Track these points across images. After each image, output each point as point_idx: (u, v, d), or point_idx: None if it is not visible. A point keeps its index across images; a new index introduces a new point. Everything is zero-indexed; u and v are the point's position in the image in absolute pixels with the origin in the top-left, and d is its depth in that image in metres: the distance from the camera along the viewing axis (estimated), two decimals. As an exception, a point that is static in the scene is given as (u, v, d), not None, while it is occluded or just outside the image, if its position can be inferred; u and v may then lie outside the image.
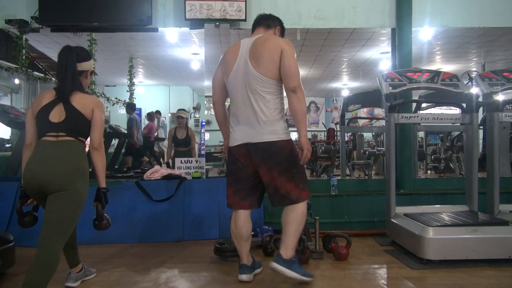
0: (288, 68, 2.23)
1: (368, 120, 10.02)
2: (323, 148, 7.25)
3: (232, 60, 2.39)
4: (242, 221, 2.43)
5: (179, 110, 6.05)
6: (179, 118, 5.78)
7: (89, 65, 2.27)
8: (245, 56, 2.34)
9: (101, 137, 2.15)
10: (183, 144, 5.73)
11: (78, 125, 2.11)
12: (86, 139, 2.17)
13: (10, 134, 6.58)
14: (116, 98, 10.97)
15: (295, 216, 2.31)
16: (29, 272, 1.89)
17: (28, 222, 2.21)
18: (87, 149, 2.21)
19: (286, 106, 2.36)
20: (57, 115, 2.08)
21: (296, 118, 2.25)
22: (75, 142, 2.09)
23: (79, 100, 2.12)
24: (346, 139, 6.46)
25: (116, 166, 6.33)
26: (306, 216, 2.41)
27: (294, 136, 4.20)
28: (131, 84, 9.99)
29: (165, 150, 9.40)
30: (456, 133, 6.78)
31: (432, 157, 7.09)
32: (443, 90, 3.29)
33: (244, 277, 2.44)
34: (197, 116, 12.81)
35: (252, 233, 3.35)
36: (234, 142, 2.39)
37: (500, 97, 3.65)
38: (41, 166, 1.99)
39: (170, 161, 5.96)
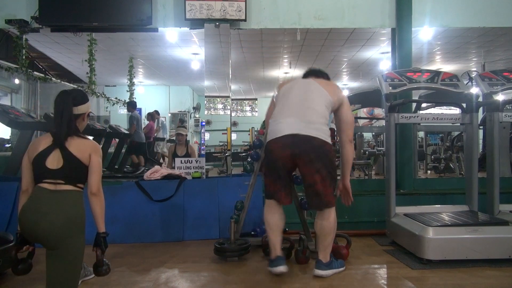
0: (346, 117, 2.62)
1: (368, 120, 10.00)
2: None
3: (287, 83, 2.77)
4: (280, 211, 2.60)
5: (178, 127, 6.06)
6: (178, 135, 5.76)
7: (86, 108, 2.23)
8: (308, 80, 2.72)
9: (99, 182, 2.11)
10: None
11: (76, 172, 2.08)
12: (84, 185, 2.13)
13: (10, 134, 6.58)
14: (116, 98, 10.96)
15: (329, 225, 2.51)
16: None
17: (23, 270, 2.15)
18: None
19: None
20: (54, 161, 2.04)
21: (347, 163, 2.66)
22: (74, 192, 2.06)
23: (76, 146, 2.09)
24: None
25: (116, 166, 6.34)
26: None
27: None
28: (131, 84, 9.99)
29: (161, 150, 9.46)
30: (456, 133, 6.78)
31: (432, 157, 7.09)
32: (443, 90, 3.29)
33: (281, 268, 2.49)
34: (197, 116, 12.82)
35: (252, 233, 3.39)
36: (278, 133, 2.51)
37: (500, 97, 3.65)
38: (39, 219, 1.95)
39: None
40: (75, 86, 7.63)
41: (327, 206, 2.48)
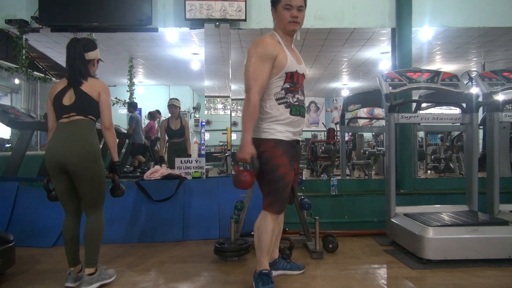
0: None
1: (368, 120, 10.00)
2: (323, 148, 7.25)
3: None
4: None
5: (171, 99, 5.72)
6: (171, 107, 5.50)
7: (95, 54, 2.48)
8: None
9: (110, 118, 2.42)
10: (177, 135, 5.48)
11: (86, 105, 2.36)
12: (96, 118, 2.42)
13: (10, 134, 6.58)
14: (116, 98, 10.97)
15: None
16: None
17: (55, 196, 2.44)
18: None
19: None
20: (68, 98, 2.36)
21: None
22: (85, 120, 2.36)
23: (87, 84, 2.38)
24: (346, 139, 6.46)
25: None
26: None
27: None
28: (131, 84, 9.99)
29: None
30: (456, 133, 6.78)
31: (432, 157, 7.09)
32: (443, 90, 3.29)
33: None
34: (197, 116, 12.81)
35: (252, 233, 3.38)
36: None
37: (500, 97, 3.65)
38: (60, 146, 2.29)
39: (165, 155, 5.84)
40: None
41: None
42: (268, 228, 2.23)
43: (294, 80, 2.22)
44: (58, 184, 2.36)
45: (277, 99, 2.20)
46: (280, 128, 2.20)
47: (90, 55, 2.44)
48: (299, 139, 2.36)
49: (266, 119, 2.20)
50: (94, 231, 2.37)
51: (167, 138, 5.64)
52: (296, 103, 2.23)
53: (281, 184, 2.19)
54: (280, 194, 2.20)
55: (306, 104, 16.12)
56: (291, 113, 2.21)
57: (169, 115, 5.80)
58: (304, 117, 2.30)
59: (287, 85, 2.20)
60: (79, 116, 2.34)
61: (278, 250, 2.62)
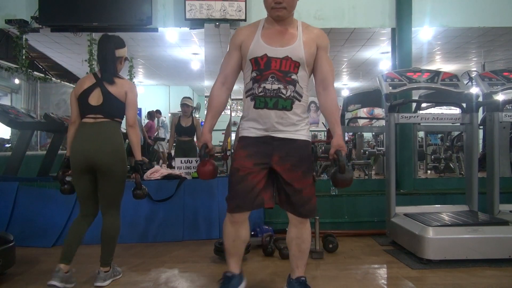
0: None
1: (368, 120, 10.00)
2: (323, 148, 7.24)
3: None
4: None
5: (184, 97, 5.66)
6: (184, 106, 5.44)
7: (124, 52, 2.50)
8: None
9: (135, 116, 2.45)
10: (187, 132, 5.40)
11: (113, 108, 2.39)
12: (121, 119, 2.46)
13: (10, 134, 6.58)
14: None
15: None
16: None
17: (68, 190, 2.49)
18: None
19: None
20: (95, 98, 2.36)
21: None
22: (112, 122, 2.39)
23: (114, 85, 2.39)
24: (346, 139, 6.46)
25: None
26: None
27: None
28: (131, 84, 9.96)
29: (165, 150, 9.41)
30: (456, 133, 6.78)
31: (432, 157, 7.10)
32: (443, 90, 3.29)
33: None
34: (197, 116, 12.81)
35: (252, 232, 3.38)
36: None
37: (500, 97, 3.65)
38: (88, 145, 2.31)
39: (173, 152, 5.80)
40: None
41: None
42: (226, 230, 2.03)
43: (261, 67, 1.91)
44: (80, 182, 2.37)
45: (246, 92, 2.00)
46: (246, 124, 2.02)
47: (120, 52, 2.46)
48: (281, 136, 1.95)
49: (242, 117, 2.07)
50: (111, 232, 2.42)
51: (176, 136, 5.56)
52: (261, 94, 1.91)
53: (234, 178, 1.96)
54: (233, 189, 1.97)
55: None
56: (254, 106, 1.94)
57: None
58: (279, 109, 1.92)
59: (254, 74, 1.94)
60: (106, 119, 2.37)
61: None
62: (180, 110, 5.68)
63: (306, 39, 1.95)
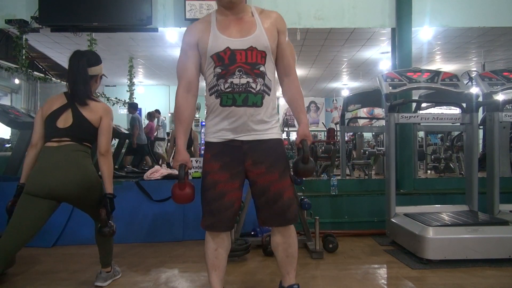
0: None
1: (368, 120, 10.01)
2: (323, 148, 7.25)
3: None
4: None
5: None
6: None
7: (99, 69, 2.25)
8: None
9: (108, 144, 2.16)
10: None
11: (83, 131, 2.12)
12: (90, 145, 2.19)
13: (10, 134, 6.59)
14: (116, 98, 10.97)
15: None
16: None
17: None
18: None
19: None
20: (63, 121, 2.11)
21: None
22: (78, 145, 2.12)
23: (87, 107, 2.13)
24: (346, 139, 6.47)
25: (116, 166, 6.34)
26: None
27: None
28: (131, 84, 10.00)
29: (162, 150, 9.44)
30: (456, 133, 6.79)
31: (432, 157, 7.10)
32: (443, 90, 3.29)
33: None
34: (197, 116, 12.83)
35: (252, 233, 3.39)
36: None
37: (500, 97, 3.65)
38: (52, 176, 2.02)
39: (171, 161, 5.95)
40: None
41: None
42: (206, 245, 1.88)
43: (225, 62, 1.72)
44: (28, 209, 2.03)
45: (209, 89, 1.79)
46: (212, 126, 1.82)
47: (94, 70, 2.19)
48: (251, 138, 1.78)
49: (206, 117, 1.89)
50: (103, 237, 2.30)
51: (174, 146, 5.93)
52: (229, 90, 1.72)
53: (209, 194, 1.82)
54: (208, 206, 1.83)
55: (306, 104, 16.17)
56: (221, 104, 1.74)
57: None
58: (249, 105, 1.73)
59: (218, 70, 1.74)
60: (73, 142, 2.10)
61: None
62: None
63: (267, 25, 1.78)
